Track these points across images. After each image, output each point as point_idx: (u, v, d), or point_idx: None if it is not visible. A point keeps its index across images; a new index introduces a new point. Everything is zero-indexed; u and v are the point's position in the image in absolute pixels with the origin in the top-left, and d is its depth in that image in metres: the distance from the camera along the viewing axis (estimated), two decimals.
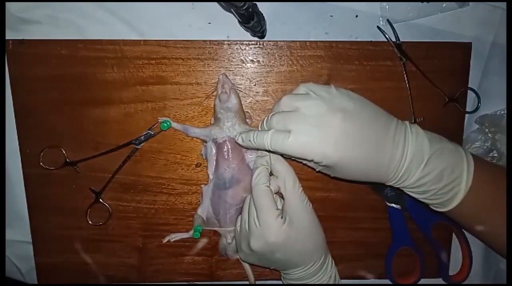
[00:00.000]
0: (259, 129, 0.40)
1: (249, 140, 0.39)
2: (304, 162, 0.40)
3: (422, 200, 0.40)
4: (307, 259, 0.42)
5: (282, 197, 0.43)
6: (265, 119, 0.39)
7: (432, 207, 0.40)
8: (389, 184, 0.39)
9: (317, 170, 0.41)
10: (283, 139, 0.36)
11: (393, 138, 0.36)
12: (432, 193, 0.38)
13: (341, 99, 0.37)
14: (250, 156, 0.46)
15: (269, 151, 0.39)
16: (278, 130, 0.37)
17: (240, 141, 0.41)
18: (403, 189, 0.40)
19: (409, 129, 0.37)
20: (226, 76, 0.45)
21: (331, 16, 0.49)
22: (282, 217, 0.40)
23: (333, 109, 0.36)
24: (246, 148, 0.43)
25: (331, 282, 0.44)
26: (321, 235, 0.43)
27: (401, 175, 0.37)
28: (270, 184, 0.41)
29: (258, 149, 0.41)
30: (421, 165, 0.36)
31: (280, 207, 0.42)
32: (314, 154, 0.36)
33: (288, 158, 0.41)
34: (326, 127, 0.35)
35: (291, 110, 0.37)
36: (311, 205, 0.42)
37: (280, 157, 0.43)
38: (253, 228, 0.41)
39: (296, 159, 0.40)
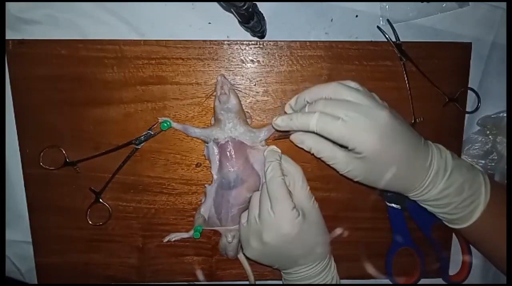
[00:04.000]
0: (286, 112, 0.41)
1: (291, 120, 0.38)
2: (332, 162, 0.39)
3: (441, 215, 0.40)
4: (315, 255, 0.42)
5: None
6: (307, 105, 0.39)
7: (451, 225, 0.41)
8: (411, 194, 0.40)
9: (342, 172, 0.39)
10: (331, 121, 0.36)
11: (423, 147, 0.38)
12: (453, 206, 0.39)
13: (382, 102, 0.39)
14: (252, 158, 0.46)
15: (311, 132, 0.38)
16: (325, 113, 0.37)
17: (279, 122, 0.39)
18: (424, 203, 0.40)
19: (432, 144, 0.40)
20: (225, 77, 0.45)
21: (331, 16, 0.49)
22: (296, 210, 0.40)
23: (380, 106, 0.37)
24: (280, 129, 0.40)
25: (334, 283, 0.44)
26: (327, 233, 0.44)
27: (427, 184, 0.38)
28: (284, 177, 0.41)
29: (295, 131, 0.40)
30: (446, 175, 0.38)
31: None
32: (360, 141, 0.36)
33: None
34: (374, 119, 0.36)
35: (338, 98, 0.38)
36: (317, 204, 0.43)
37: (288, 157, 0.44)
38: (266, 220, 0.41)
39: (325, 154, 0.39)
